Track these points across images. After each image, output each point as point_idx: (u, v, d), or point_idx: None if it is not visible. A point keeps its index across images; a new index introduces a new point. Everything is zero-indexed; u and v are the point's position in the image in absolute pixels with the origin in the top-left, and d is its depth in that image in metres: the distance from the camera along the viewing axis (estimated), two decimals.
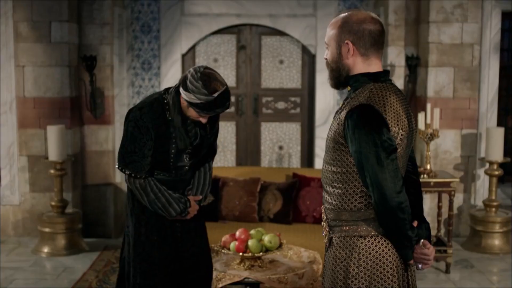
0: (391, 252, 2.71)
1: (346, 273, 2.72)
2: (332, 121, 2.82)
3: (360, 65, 2.76)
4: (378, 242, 2.70)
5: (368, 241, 2.71)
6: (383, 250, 2.70)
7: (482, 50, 6.93)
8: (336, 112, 2.83)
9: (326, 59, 2.85)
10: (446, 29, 6.82)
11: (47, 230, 6.47)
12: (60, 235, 6.47)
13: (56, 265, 6.17)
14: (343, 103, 2.80)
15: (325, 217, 2.85)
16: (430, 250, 2.76)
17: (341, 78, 2.81)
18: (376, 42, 2.75)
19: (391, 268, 2.70)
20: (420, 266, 2.79)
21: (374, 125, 2.61)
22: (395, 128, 2.66)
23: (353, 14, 2.76)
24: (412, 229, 2.69)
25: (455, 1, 6.80)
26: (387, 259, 2.70)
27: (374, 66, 2.77)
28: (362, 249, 2.71)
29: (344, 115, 2.67)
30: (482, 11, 6.88)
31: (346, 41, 2.73)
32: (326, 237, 2.86)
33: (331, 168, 2.75)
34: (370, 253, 2.70)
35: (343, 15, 2.79)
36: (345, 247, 2.74)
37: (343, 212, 2.74)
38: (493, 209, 6.70)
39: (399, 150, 2.68)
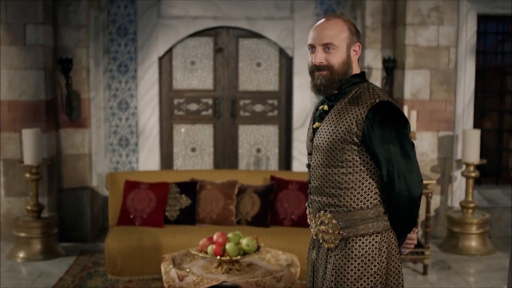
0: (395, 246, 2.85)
1: (359, 273, 2.76)
2: (327, 124, 2.80)
3: (356, 66, 2.87)
4: (386, 237, 2.79)
5: (373, 239, 2.76)
6: (390, 246, 2.80)
7: (458, 53, 6.98)
8: (327, 113, 2.84)
9: (325, 62, 2.78)
10: (423, 31, 6.86)
11: (22, 234, 6.40)
12: (36, 239, 6.40)
13: (32, 270, 6.10)
14: (340, 103, 2.80)
15: (326, 221, 2.83)
16: (415, 235, 2.92)
17: (343, 81, 2.83)
18: None
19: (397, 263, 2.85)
20: (403, 251, 2.93)
21: (400, 120, 2.73)
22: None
23: (347, 18, 2.92)
24: None
25: (432, 3, 6.84)
26: (394, 255, 2.83)
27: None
28: (378, 246, 2.77)
29: (364, 114, 2.70)
30: (458, 14, 6.93)
31: (357, 44, 2.83)
32: (331, 241, 2.83)
33: (339, 170, 2.77)
34: (386, 248, 2.79)
35: (342, 17, 2.84)
36: (366, 245, 2.79)
37: (356, 212, 2.77)
38: (470, 211, 6.74)
39: None
